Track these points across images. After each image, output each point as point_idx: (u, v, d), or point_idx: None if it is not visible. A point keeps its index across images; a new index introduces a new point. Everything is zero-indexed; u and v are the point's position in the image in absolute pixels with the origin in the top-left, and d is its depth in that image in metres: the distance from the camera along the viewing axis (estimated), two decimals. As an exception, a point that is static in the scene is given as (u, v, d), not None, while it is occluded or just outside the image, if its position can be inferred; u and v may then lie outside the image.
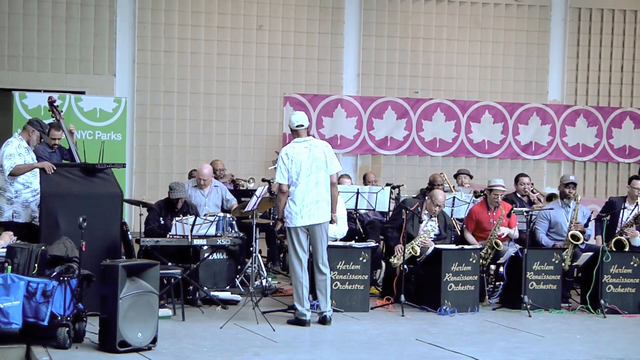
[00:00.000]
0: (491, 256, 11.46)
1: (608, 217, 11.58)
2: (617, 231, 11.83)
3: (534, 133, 18.68)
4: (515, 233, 11.91)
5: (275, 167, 10.91)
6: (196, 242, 10.59)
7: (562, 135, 18.80)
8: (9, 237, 9.26)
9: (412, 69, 18.14)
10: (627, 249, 11.55)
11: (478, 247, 11.32)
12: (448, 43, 18.28)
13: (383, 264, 11.94)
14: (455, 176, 15.12)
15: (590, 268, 11.10)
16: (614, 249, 11.42)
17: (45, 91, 15.29)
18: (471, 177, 15.23)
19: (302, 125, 9.99)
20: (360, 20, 17.90)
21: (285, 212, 9.80)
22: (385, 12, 17.98)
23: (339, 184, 11.13)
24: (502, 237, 11.59)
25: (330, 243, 10.23)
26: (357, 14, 17.90)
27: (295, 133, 10.05)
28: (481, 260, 11.25)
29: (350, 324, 9.95)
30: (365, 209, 12.99)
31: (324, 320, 9.73)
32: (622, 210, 11.99)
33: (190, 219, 10.66)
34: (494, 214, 11.81)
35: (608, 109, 19.00)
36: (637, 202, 11.98)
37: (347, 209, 11.97)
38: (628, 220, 11.89)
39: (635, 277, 11.17)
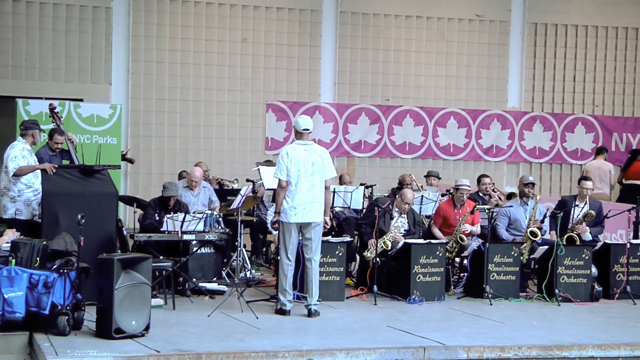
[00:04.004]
0: (456, 250, 11.49)
1: (561, 214, 11.62)
2: (568, 227, 11.88)
3: (495, 137, 18.77)
4: (477, 230, 11.93)
5: (258, 169, 10.89)
6: (186, 237, 10.55)
7: (521, 139, 18.89)
8: (12, 234, 9.21)
9: (384, 78, 18.18)
10: (578, 244, 11.61)
11: (444, 241, 11.33)
12: (417, 55, 18.33)
13: (357, 257, 11.93)
14: (426, 177, 15.14)
15: (545, 260, 11.14)
16: (566, 244, 11.46)
17: (46, 98, 15.21)
18: (439, 179, 15.26)
19: (308, 130, 9.78)
20: (336, 33, 17.91)
21: (282, 207, 9.68)
22: (359, 27, 18.01)
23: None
24: (466, 233, 11.62)
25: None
26: (334, 28, 17.91)
27: (298, 135, 9.80)
28: (447, 254, 11.27)
29: (328, 312, 9.93)
30: (341, 207, 12.99)
31: (309, 313, 9.60)
32: (573, 208, 12.03)
33: (181, 215, 10.64)
34: (460, 211, 11.83)
35: (562, 115, 19.11)
36: (586, 201, 12.04)
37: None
38: (578, 218, 11.93)
39: (586, 268, 11.21)
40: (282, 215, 9.66)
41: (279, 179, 9.67)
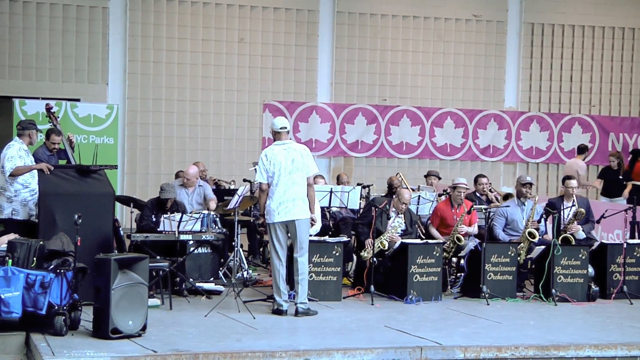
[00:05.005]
0: (453, 250, 11.49)
1: (556, 213, 11.63)
2: (561, 229, 11.89)
3: (492, 137, 18.78)
4: (474, 230, 11.93)
5: (255, 169, 10.88)
6: (183, 237, 10.55)
7: (517, 139, 18.91)
8: (13, 237, 9.15)
9: (381, 78, 18.19)
10: (573, 244, 11.62)
11: (441, 241, 11.34)
12: (413, 55, 18.35)
13: (354, 257, 11.94)
14: (426, 176, 15.15)
15: (542, 260, 11.14)
16: (562, 244, 11.46)
17: (43, 98, 15.24)
18: (440, 179, 15.26)
19: (285, 128, 9.81)
20: (333, 33, 17.92)
21: (266, 208, 9.76)
22: (356, 27, 18.02)
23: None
24: (463, 233, 11.63)
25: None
26: (331, 28, 17.92)
27: (276, 136, 9.85)
28: (444, 254, 11.28)
29: (324, 312, 9.93)
30: (338, 207, 12.99)
31: (295, 312, 9.61)
32: (563, 210, 12.02)
33: (177, 216, 10.63)
34: (457, 211, 11.83)
35: (559, 115, 19.14)
36: (574, 200, 12.06)
37: (321, 207, 11.97)
38: (568, 218, 11.95)
39: (583, 268, 11.22)
40: (266, 216, 9.71)
41: (260, 183, 9.72)
